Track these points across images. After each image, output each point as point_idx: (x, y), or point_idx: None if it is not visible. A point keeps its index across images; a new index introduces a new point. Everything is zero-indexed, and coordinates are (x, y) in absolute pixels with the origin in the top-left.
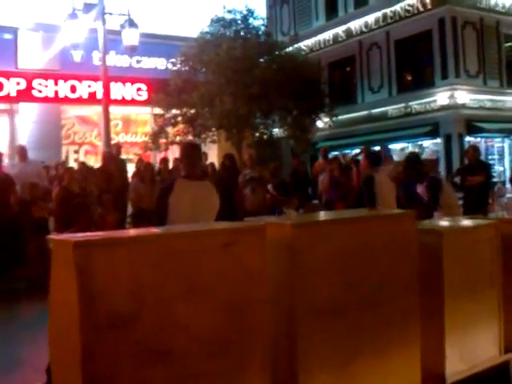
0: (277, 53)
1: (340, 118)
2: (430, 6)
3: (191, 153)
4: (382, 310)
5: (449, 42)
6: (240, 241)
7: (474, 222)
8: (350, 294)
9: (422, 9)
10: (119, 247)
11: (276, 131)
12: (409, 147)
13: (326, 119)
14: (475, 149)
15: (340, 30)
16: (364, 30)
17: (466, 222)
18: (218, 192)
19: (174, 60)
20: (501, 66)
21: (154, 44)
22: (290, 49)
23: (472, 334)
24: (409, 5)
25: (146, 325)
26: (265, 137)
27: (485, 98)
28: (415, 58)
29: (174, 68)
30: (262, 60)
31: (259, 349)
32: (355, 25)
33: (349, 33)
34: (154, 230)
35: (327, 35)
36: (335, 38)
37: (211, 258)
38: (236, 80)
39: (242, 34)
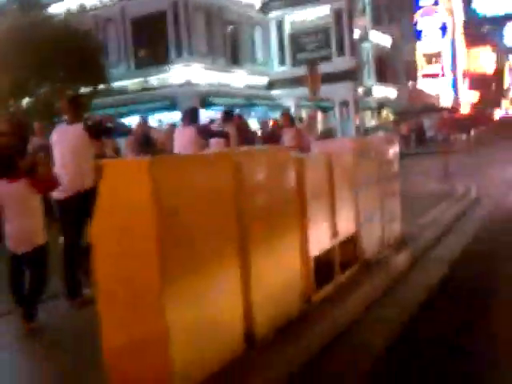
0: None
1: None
2: None
3: None
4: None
5: (182, 23)
6: None
7: None
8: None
9: None
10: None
11: None
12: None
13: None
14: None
15: (74, 5)
16: (98, 5)
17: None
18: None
19: None
20: (226, 47)
21: None
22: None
23: None
24: None
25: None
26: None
27: (214, 75)
28: (151, 36)
29: None
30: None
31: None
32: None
33: (82, 8)
34: None
35: (61, 7)
36: (68, 11)
37: None
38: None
39: None
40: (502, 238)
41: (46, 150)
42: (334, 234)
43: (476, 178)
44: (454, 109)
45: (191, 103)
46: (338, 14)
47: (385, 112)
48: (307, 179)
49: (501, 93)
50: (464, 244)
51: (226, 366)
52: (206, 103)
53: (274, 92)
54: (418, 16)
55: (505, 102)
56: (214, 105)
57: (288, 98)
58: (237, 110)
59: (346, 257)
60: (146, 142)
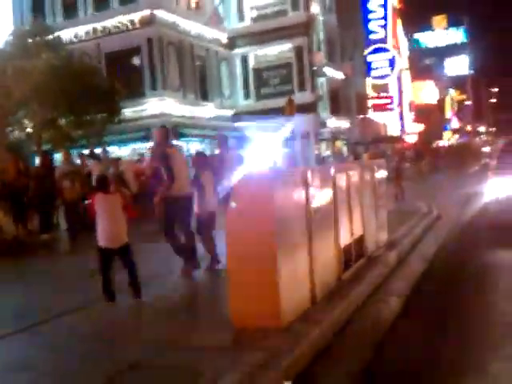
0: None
1: None
2: (138, 25)
3: None
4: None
5: (156, 58)
6: None
7: None
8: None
9: (130, 27)
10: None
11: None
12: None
13: None
14: None
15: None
16: (74, 39)
17: None
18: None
19: None
20: (195, 81)
21: None
22: None
23: None
24: (118, 22)
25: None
26: None
27: (185, 109)
28: (126, 71)
29: None
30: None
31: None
32: (66, 35)
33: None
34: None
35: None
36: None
37: None
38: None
39: None
40: (466, 241)
41: (72, 175)
42: (352, 233)
43: (432, 200)
44: (403, 139)
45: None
46: (298, 51)
47: (338, 142)
48: (337, 192)
49: (442, 124)
50: (435, 247)
51: (303, 313)
52: (178, 135)
53: (239, 124)
54: (368, 51)
55: (446, 134)
56: (186, 136)
57: (252, 129)
58: (206, 141)
59: (356, 252)
60: None
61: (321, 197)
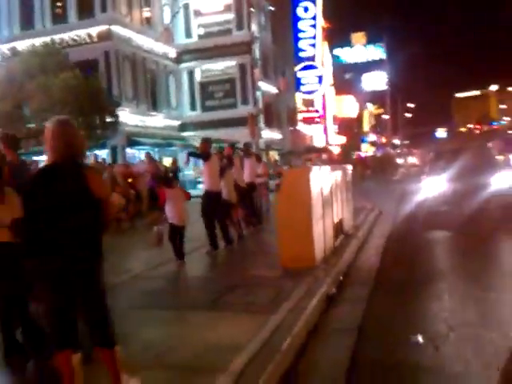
0: None
1: None
2: (96, 39)
3: None
4: None
5: (113, 70)
6: None
7: None
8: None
9: (88, 40)
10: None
11: None
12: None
13: None
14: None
15: (5, 49)
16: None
17: None
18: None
19: None
20: (147, 93)
21: None
22: None
23: None
24: (76, 35)
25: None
26: None
27: (138, 118)
28: None
29: None
30: None
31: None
32: (22, 46)
33: (16, 52)
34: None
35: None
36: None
37: None
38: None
39: None
40: (408, 226)
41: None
42: (338, 215)
43: (371, 201)
44: (329, 150)
45: (119, 142)
46: (242, 67)
47: (270, 153)
48: (332, 184)
49: (360, 137)
50: (388, 229)
51: (322, 260)
52: (132, 143)
53: (186, 133)
54: (298, 67)
55: (364, 146)
56: (138, 144)
57: (197, 139)
58: (156, 149)
59: (340, 229)
60: None
61: (326, 186)
